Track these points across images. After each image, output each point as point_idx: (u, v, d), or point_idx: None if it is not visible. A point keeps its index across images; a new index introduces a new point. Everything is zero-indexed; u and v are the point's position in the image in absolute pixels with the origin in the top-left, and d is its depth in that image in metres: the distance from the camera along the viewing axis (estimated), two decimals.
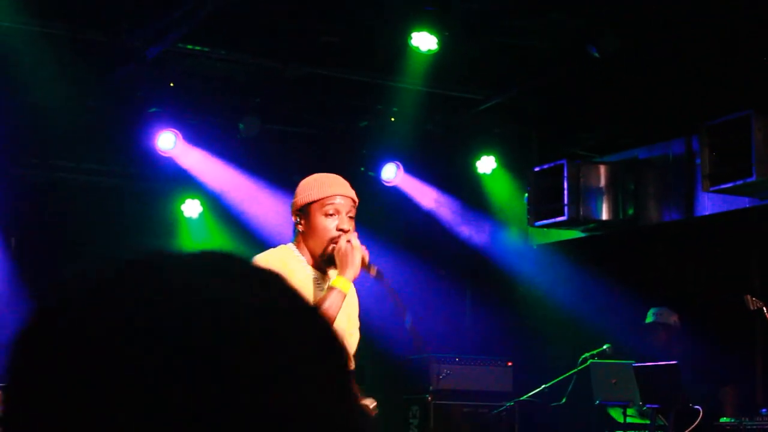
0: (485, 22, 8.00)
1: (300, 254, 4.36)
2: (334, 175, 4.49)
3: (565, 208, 9.22)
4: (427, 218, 10.43)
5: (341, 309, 4.27)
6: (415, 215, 10.40)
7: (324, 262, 4.34)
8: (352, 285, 4.32)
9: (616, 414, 8.38)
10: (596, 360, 8.25)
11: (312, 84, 9.25)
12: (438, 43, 7.86)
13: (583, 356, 8.41)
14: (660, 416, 7.70)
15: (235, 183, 10.07)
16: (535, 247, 10.31)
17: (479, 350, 10.09)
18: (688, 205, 8.89)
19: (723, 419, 7.58)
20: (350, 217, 4.35)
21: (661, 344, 8.43)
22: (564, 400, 8.40)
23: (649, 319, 8.50)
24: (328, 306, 4.13)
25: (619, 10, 7.71)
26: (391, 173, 10.17)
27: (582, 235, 9.77)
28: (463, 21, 7.85)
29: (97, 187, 10.39)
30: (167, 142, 9.25)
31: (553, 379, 8.51)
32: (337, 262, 4.22)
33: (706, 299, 8.92)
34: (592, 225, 9.47)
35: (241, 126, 9.24)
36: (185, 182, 10.52)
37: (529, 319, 10.15)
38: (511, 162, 10.35)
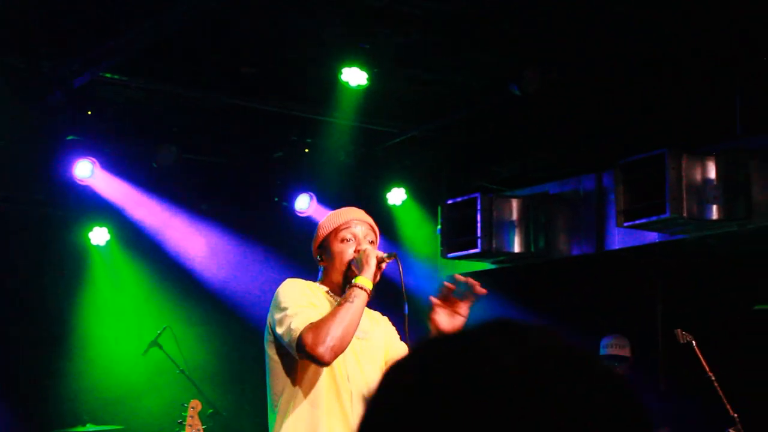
0: (406, 57, 8.20)
1: (328, 289, 4.40)
2: (349, 207, 4.55)
3: (478, 241, 9.43)
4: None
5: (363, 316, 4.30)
6: None
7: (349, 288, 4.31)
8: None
9: None
10: None
11: (228, 114, 9.34)
12: (368, 79, 8.02)
13: None
14: None
15: (149, 211, 10.06)
16: (444, 278, 10.48)
17: None
18: (599, 239, 9.18)
19: None
20: (371, 242, 4.40)
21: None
22: None
23: (601, 352, 8.60)
24: (348, 300, 4.11)
25: (538, 49, 7.97)
26: (304, 204, 10.27)
27: (492, 266, 9.99)
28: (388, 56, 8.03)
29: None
30: (84, 170, 9.21)
31: None
32: (357, 269, 4.25)
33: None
34: (503, 257, 9.69)
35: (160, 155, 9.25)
36: (93, 210, 10.46)
37: None
38: (421, 194, 10.55)
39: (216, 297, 10.59)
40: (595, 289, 9.74)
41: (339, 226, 4.39)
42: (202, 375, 9.67)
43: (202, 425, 7.70)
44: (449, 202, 9.82)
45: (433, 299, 4.32)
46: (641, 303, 9.50)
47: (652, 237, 8.69)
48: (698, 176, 8.00)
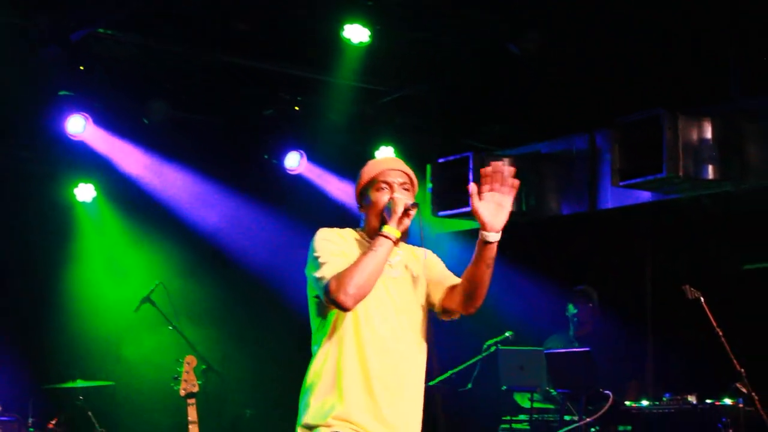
0: (404, 16, 8.21)
1: (366, 236, 4.51)
2: (387, 156, 4.65)
3: (470, 199, 9.45)
4: (331, 204, 10.56)
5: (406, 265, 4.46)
6: (320, 202, 10.52)
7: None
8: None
9: (521, 399, 8.68)
10: (504, 347, 8.49)
11: (220, 71, 9.31)
12: (370, 36, 8.02)
13: (488, 343, 8.66)
14: (569, 402, 8.00)
15: (140, 167, 10.04)
16: (433, 236, 10.54)
17: None
18: (591, 199, 9.26)
19: (628, 403, 7.94)
20: (405, 189, 4.52)
21: (586, 316, 8.77)
22: (470, 386, 8.62)
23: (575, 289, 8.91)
24: (373, 248, 4.27)
25: (534, 9, 7.99)
26: (294, 161, 10.26)
27: None
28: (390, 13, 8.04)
29: None
30: (77, 125, 9.17)
31: (458, 366, 8.73)
32: (387, 216, 4.38)
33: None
34: None
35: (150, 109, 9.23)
36: (78, 167, 10.43)
37: None
38: (410, 153, 10.56)
39: (208, 252, 10.59)
40: (586, 248, 9.85)
41: (377, 175, 4.53)
42: (195, 331, 9.67)
43: (197, 381, 7.75)
44: (440, 160, 9.86)
45: (473, 187, 4.35)
46: (632, 262, 9.61)
47: (645, 196, 8.78)
48: (694, 136, 8.08)
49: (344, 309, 4.26)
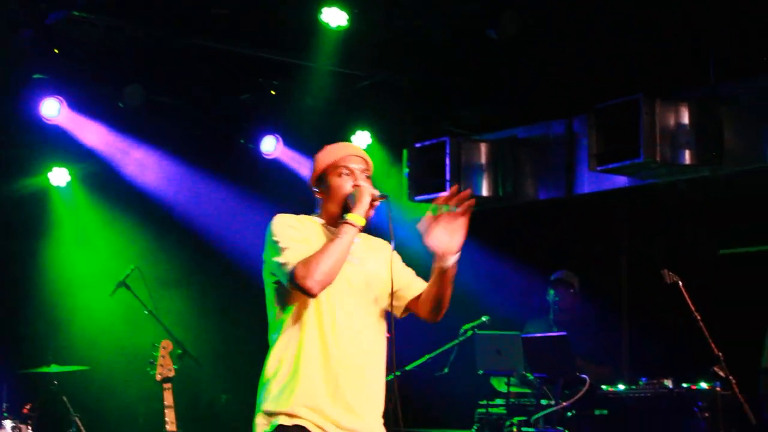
0: (382, 0, 8.19)
1: (323, 221, 4.51)
2: (346, 142, 4.65)
3: (447, 184, 9.49)
4: (308, 189, 10.51)
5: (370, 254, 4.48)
6: (297, 187, 10.49)
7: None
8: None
9: (498, 383, 8.69)
10: (480, 331, 8.50)
11: (196, 56, 9.26)
12: (348, 20, 7.99)
13: (464, 328, 8.66)
14: (546, 386, 8.01)
15: (116, 151, 9.99)
16: (408, 221, 10.52)
17: None
18: (568, 183, 9.27)
19: (604, 387, 7.96)
20: (366, 177, 4.50)
21: (567, 303, 8.79)
22: (446, 370, 8.62)
23: (552, 277, 8.94)
24: (338, 236, 4.26)
25: None
26: (270, 146, 10.23)
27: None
28: None
29: None
30: (51, 109, 9.12)
31: (435, 351, 8.73)
32: (351, 204, 4.38)
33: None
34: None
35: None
36: (52, 151, 10.37)
37: None
38: (386, 138, 10.56)
39: (184, 237, 10.55)
40: (563, 233, 9.86)
41: (337, 161, 4.50)
42: (170, 316, 9.63)
43: (173, 365, 7.73)
44: (417, 145, 9.86)
45: (426, 218, 4.40)
46: (609, 247, 9.64)
47: (622, 181, 8.81)
48: (671, 121, 8.11)
49: (311, 295, 4.25)
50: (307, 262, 4.20)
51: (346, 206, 4.40)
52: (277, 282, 4.36)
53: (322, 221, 4.49)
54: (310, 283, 4.19)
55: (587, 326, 8.79)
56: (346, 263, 4.34)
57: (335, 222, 4.43)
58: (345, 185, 4.44)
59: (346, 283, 4.40)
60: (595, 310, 9.09)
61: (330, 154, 4.55)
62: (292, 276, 4.21)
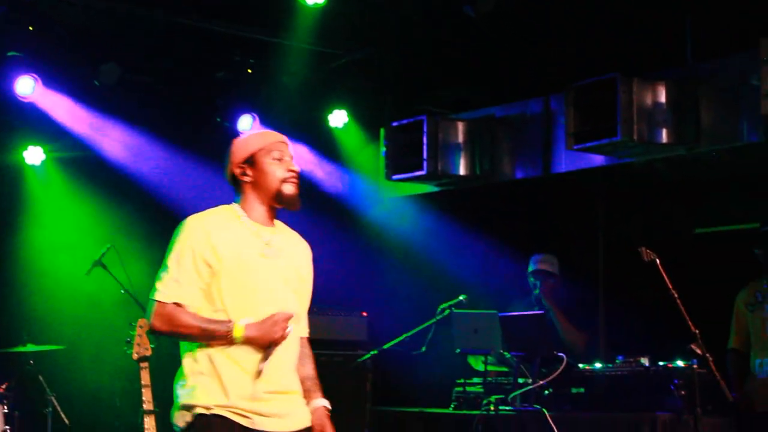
0: None
1: (243, 211, 4.48)
2: (265, 130, 4.70)
3: (425, 163, 9.49)
4: None
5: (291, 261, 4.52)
6: None
7: (281, 202, 4.48)
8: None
9: (475, 362, 8.70)
10: (457, 310, 8.50)
11: (172, 33, 9.20)
12: None
13: (441, 306, 8.66)
14: (523, 364, 8.02)
15: (91, 129, 9.93)
16: (385, 199, 10.54)
17: (338, 300, 10.26)
18: (545, 162, 9.28)
19: (581, 365, 7.98)
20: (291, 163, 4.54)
21: (549, 291, 8.80)
22: (423, 349, 8.62)
23: (532, 267, 8.88)
24: (214, 327, 4.32)
25: None
26: (246, 124, 10.19)
27: (437, 189, 10.05)
28: None
29: None
30: (26, 86, 9.05)
31: (412, 329, 8.73)
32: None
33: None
34: (448, 180, 9.76)
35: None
36: (27, 129, 10.30)
37: (386, 269, 10.40)
38: (363, 117, 10.54)
39: (160, 216, 10.49)
40: (540, 211, 9.89)
41: (269, 145, 4.49)
42: (147, 294, 9.58)
43: (150, 344, 7.71)
44: (394, 124, 9.85)
45: None
46: (585, 226, 9.66)
47: (599, 160, 8.82)
48: (648, 100, 8.12)
49: (152, 331, 4.39)
50: (172, 317, 4.28)
51: (280, 193, 4.43)
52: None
53: (242, 212, 4.47)
54: (158, 326, 4.31)
55: (571, 310, 8.81)
56: (266, 255, 4.40)
57: (259, 211, 4.47)
58: (279, 169, 4.43)
59: (269, 274, 4.42)
60: (577, 293, 9.11)
61: (259, 137, 4.55)
62: (153, 308, 4.34)
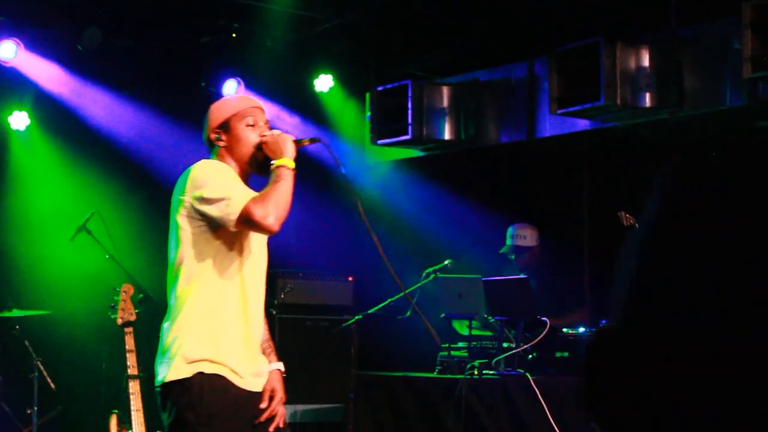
0: None
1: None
2: (240, 95, 4.74)
3: (409, 128, 9.48)
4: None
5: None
6: None
7: (254, 167, 4.55)
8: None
9: (459, 327, 8.73)
10: (442, 274, 8.52)
11: None
12: None
13: (427, 271, 8.68)
14: (507, 329, 8.05)
15: (75, 94, 9.90)
16: (371, 164, 10.54)
17: (325, 265, 10.28)
18: (530, 127, 9.28)
19: (565, 330, 8.02)
20: (269, 128, 4.60)
21: (525, 264, 8.82)
22: (408, 314, 8.65)
23: (508, 242, 8.90)
24: (281, 179, 4.36)
25: None
26: (231, 89, 10.17)
27: (421, 153, 10.05)
28: None
29: None
30: (8, 51, 9.02)
31: (397, 294, 8.73)
32: (271, 153, 4.46)
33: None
34: (433, 144, 9.76)
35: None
36: (11, 94, 10.26)
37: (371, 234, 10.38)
38: (348, 81, 10.52)
39: (144, 180, 10.48)
40: (525, 176, 9.89)
41: (243, 111, 4.57)
42: (131, 260, 9.60)
43: (134, 309, 7.72)
44: (379, 88, 9.83)
45: None
46: (570, 190, 9.67)
47: (584, 125, 8.82)
48: (632, 65, 8.12)
49: (270, 232, 4.34)
50: (263, 202, 4.27)
51: (255, 156, 4.49)
52: (204, 225, 4.37)
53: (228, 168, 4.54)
54: (270, 221, 4.25)
55: (554, 271, 8.83)
56: None
57: (240, 171, 4.51)
58: (252, 134, 4.50)
59: (258, 243, 4.54)
60: (561, 262, 9.12)
61: (234, 102, 4.63)
62: (248, 215, 4.25)
